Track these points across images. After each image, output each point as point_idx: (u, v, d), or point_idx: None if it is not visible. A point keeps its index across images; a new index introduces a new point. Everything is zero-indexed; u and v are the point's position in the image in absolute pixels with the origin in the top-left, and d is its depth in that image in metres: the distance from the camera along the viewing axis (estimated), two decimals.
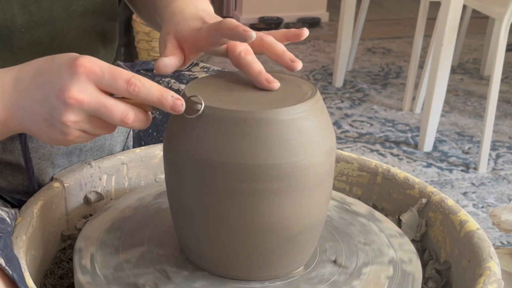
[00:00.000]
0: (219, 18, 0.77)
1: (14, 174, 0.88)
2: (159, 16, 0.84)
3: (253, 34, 0.69)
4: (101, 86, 0.65)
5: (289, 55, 0.72)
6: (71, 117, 0.65)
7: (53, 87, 0.65)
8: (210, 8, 0.82)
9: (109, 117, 0.66)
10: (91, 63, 0.65)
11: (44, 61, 0.69)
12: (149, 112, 0.69)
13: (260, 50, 0.74)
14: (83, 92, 0.64)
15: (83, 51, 0.74)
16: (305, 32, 0.75)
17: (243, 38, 0.69)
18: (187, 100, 0.67)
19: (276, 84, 0.70)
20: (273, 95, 0.69)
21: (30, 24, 0.82)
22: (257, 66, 0.71)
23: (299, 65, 0.72)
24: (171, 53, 0.74)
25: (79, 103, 0.64)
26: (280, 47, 0.73)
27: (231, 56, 0.74)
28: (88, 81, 0.65)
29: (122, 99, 0.67)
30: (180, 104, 0.65)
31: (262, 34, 0.75)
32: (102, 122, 0.67)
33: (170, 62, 0.73)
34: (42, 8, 0.82)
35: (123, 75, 0.65)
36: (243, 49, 0.73)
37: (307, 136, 0.67)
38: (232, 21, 0.70)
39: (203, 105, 0.66)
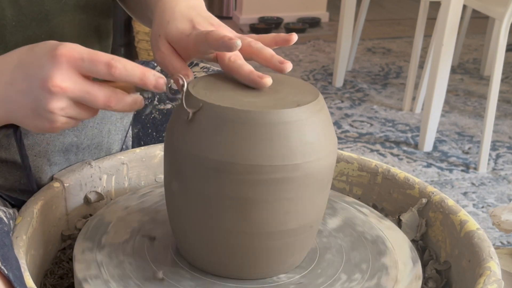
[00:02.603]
0: (209, 18, 0.77)
1: (10, 171, 0.88)
2: (150, 11, 0.83)
3: (238, 42, 0.69)
4: (83, 72, 0.67)
5: (278, 58, 0.72)
6: (57, 105, 0.66)
7: (36, 78, 0.66)
8: (201, 3, 0.81)
9: (93, 103, 0.67)
10: (70, 51, 0.66)
11: (24, 51, 0.69)
12: (139, 96, 0.69)
13: (249, 56, 0.74)
14: (67, 81, 0.66)
15: None
16: (294, 37, 0.75)
17: (229, 48, 0.69)
18: (170, 79, 0.68)
19: (268, 79, 0.69)
20: (275, 96, 0.69)
21: (21, 17, 0.82)
22: (247, 67, 0.71)
23: (288, 66, 0.72)
24: (170, 62, 0.74)
25: (63, 91, 0.66)
26: (269, 51, 0.73)
27: (221, 63, 0.74)
28: (70, 69, 0.66)
29: (107, 82, 0.67)
30: (163, 82, 0.67)
31: (250, 40, 0.75)
32: (86, 107, 0.69)
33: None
34: (32, 1, 0.82)
35: (102, 58, 0.66)
36: (232, 54, 0.73)
37: (308, 138, 0.67)
38: (218, 32, 0.70)
39: (185, 83, 0.67)
